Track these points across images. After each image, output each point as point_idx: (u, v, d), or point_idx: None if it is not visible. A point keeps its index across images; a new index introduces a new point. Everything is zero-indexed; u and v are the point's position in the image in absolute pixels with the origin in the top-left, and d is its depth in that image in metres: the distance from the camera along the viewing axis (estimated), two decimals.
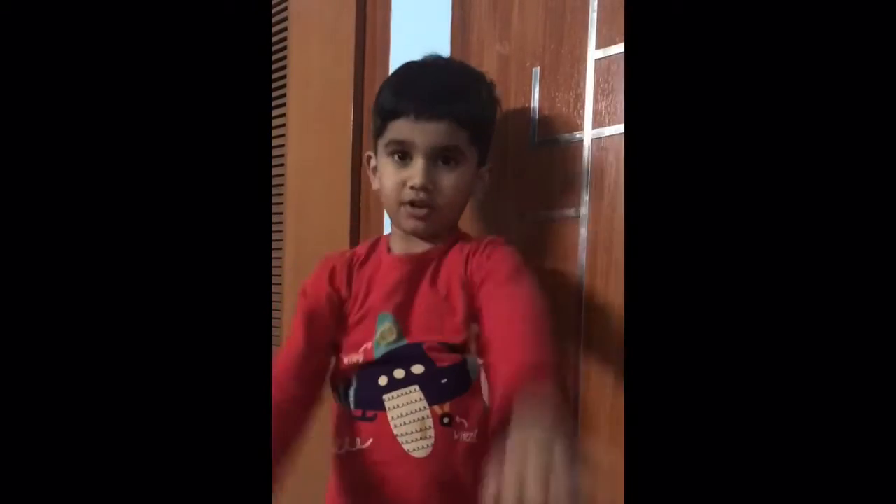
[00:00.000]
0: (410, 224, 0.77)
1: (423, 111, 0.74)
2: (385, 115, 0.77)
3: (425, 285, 0.76)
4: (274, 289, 1.41)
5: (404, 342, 0.74)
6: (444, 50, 1.00)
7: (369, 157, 0.85)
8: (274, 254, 1.42)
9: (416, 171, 0.75)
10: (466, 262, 0.76)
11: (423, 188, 0.75)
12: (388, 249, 0.82)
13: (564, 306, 0.83)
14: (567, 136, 0.84)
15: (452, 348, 0.73)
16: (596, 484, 0.79)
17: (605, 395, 0.80)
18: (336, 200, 1.22)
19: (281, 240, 1.40)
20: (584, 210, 0.82)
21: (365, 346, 0.75)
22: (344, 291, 0.80)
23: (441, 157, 0.76)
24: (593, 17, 0.81)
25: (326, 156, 1.26)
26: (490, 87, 0.83)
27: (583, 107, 0.82)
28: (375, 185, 0.84)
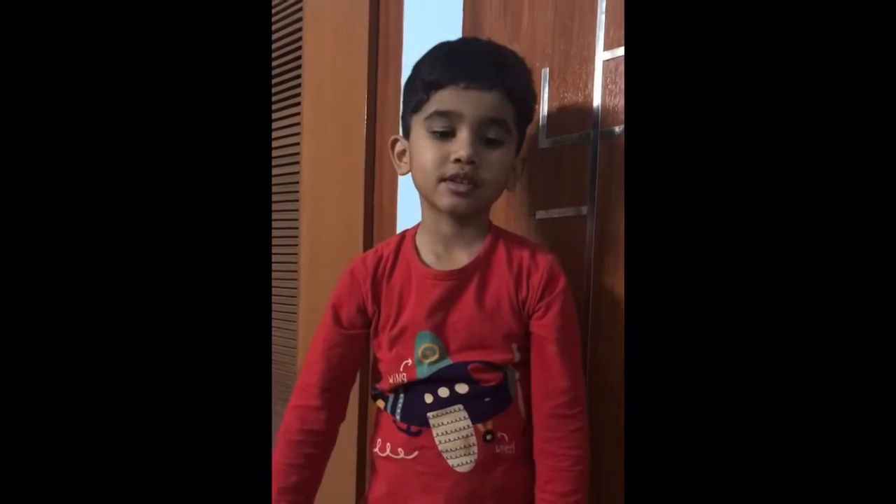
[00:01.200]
0: (450, 201, 0.73)
1: (475, 79, 0.71)
2: (428, 86, 0.73)
3: (469, 300, 0.74)
4: (291, 284, 1.44)
5: (448, 361, 0.74)
6: None
7: (395, 141, 0.81)
8: (290, 250, 1.44)
9: (461, 143, 0.71)
10: (517, 282, 0.74)
11: (470, 161, 0.71)
12: (417, 253, 0.78)
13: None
14: (576, 135, 0.86)
15: (495, 367, 0.74)
16: (601, 468, 0.81)
17: (611, 392, 0.81)
18: (350, 198, 1.24)
19: (296, 236, 1.42)
20: (593, 208, 0.83)
21: (405, 362, 0.75)
22: (370, 308, 0.78)
23: (486, 134, 0.72)
24: (601, 18, 0.82)
25: (340, 153, 1.28)
26: (531, 73, 0.80)
27: (591, 107, 0.84)
28: (403, 170, 0.79)
